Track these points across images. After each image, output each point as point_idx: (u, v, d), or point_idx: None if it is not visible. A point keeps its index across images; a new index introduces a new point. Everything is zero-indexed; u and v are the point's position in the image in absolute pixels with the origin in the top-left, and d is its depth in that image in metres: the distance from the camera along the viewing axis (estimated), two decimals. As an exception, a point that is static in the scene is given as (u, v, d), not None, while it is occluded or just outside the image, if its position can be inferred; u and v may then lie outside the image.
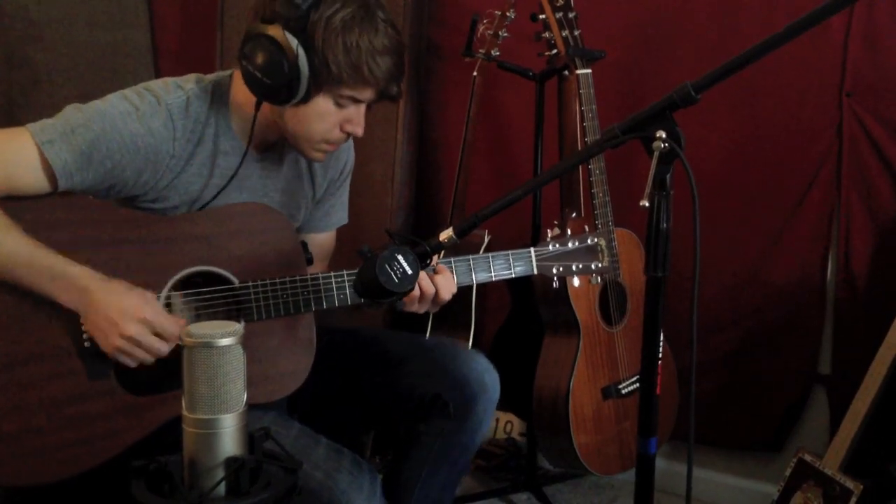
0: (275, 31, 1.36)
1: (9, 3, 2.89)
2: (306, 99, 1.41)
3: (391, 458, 2.21)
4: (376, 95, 1.45)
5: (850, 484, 1.97)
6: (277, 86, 1.37)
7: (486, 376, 1.61)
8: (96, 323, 1.34)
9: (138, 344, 1.35)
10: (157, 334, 1.36)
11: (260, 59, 1.37)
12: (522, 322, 2.29)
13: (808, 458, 2.07)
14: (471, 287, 2.32)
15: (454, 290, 1.50)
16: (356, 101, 1.44)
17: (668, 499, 2.36)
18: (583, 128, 2.09)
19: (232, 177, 1.50)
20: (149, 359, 1.37)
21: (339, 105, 1.44)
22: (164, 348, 1.37)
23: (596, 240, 1.61)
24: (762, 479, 2.36)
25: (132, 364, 1.38)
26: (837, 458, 2.00)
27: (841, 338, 2.23)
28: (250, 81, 1.40)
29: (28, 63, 2.93)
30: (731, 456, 2.41)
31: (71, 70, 2.93)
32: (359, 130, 1.48)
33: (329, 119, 1.45)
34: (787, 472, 2.11)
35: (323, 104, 1.43)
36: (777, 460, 2.31)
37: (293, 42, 1.36)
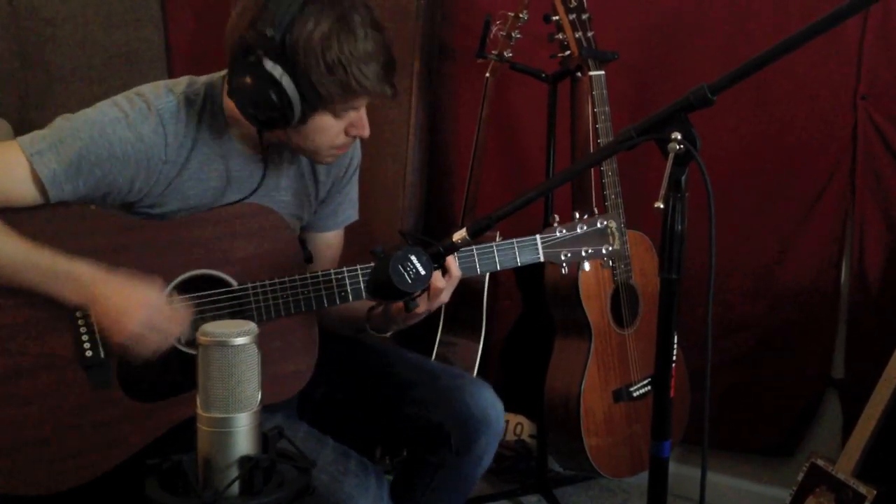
0: (255, 62, 1.33)
1: (22, 2, 2.91)
2: (304, 120, 1.40)
3: (402, 459, 2.21)
4: (372, 99, 1.44)
5: (863, 489, 1.95)
6: (271, 116, 1.37)
7: (491, 411, 1.57)
8: (105, 314, 1.35)
9: (151, 328, 1.35)
10: (167, 318, 1.36)
11: (248, 92, 1.35)
12: (534, 323, 2.29)
13: (820, 462, 2.06)
14: (482, 287, 2.32)
15: (450, 278, 1.45)
16: (354, 108, 1.43)
17: (679, 502, 2.36)
18: (595, 129, 2.08)
19: (256, 188, 1.49)
20: (163, 344, 1.37)
21: (337, 117, 1.43)
22: (176, 329, 1.37)
23: (606, 222, 1.55)
24: (774, 484, 2.35)
25: (147, 353, 1.37)
26: (850, 462, 1.99)
27: (854, 341, 2.21)
28: (245, 113, 1.39)
29: (42, 63, 2.94)
30: (743, 459, 2.40)
31: (85, 69, 2.94)
32: (364, 132, 1.48)
33: (332, 130, 1.44)
34: (800, 476, 2.09)
35: (322, 120, 1.42)
36: (789, 464, 2.30)
37: (276, 71, 1.33)
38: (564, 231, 1.54)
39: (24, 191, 1.36)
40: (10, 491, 1.36)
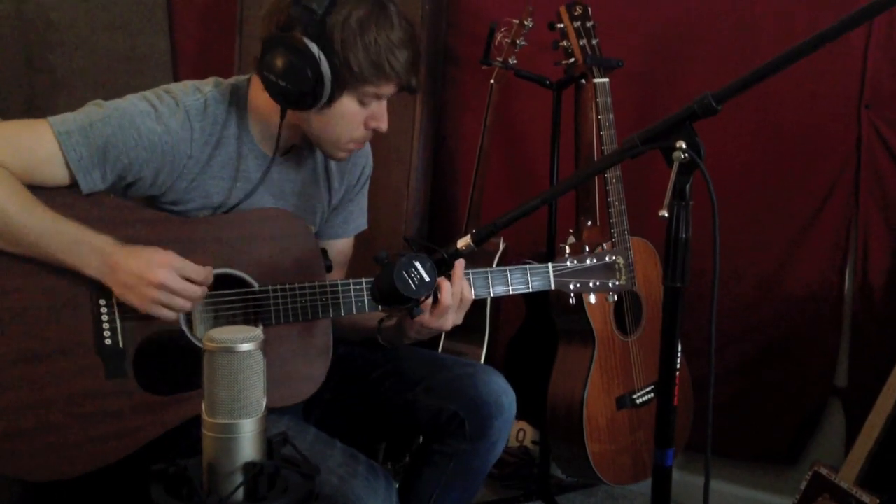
0: (294, 37, 1.38)
1: (29, 7, 2.92)
2: (330, 101, 1.43)
3: (403, 465, 2.21)
4: (397, 89, 1.47)
5: (866, 498, 1.95)
6: (302, 92, 1.39)
7: (504, 397, 1.59)
8: (124, 283, 1.35)
9: (172, 290, 1.36)
10: (186, 279, 1.37)
11: (282, 66, 1.38)
12: (537, 330, 2.29)
13: (823, 471, 2.05)
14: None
15: (464, 299, 1.48)
16: (378, 97, 1.47)
17: (681, 510, 2.36)
18: (599, 137, 2.09)
19: (257, 185, 1.51)
20: (186, 306, 1.38)
21: (362, 104, 1.46)
22: (197, 291, 1.38)
23: (614, 258, 1.61)
24: (777, 492, 2.35)
25: (172, 316, 1.38)
26: (853, 471, 1.98)
27: (858, 350, 2.21)
28: (274, 90, 1.41)
29: (48, 67, 2.95)
30: (746, 468, 2.39)
31: (90, 74, 2.95)
32: (383, 125, 1.51)
33: (354, 118, 1.47)
34: (803, 485, 2.09)
35: (347, 104, 1.45)
36: (792, 473, 2.30)
37: (314, 47, 1.37)
38: (575, 262, 1.60)
39: (50, 169, 1.37)
40: (18, 475, 1.37)
